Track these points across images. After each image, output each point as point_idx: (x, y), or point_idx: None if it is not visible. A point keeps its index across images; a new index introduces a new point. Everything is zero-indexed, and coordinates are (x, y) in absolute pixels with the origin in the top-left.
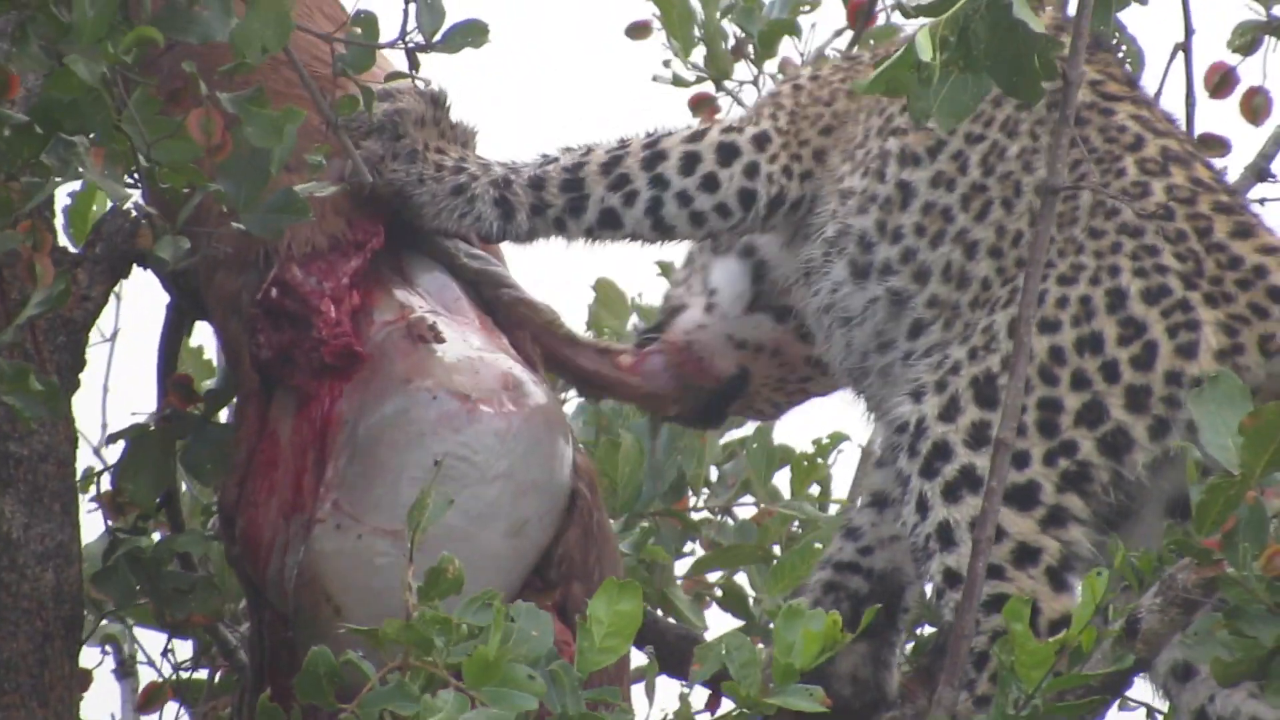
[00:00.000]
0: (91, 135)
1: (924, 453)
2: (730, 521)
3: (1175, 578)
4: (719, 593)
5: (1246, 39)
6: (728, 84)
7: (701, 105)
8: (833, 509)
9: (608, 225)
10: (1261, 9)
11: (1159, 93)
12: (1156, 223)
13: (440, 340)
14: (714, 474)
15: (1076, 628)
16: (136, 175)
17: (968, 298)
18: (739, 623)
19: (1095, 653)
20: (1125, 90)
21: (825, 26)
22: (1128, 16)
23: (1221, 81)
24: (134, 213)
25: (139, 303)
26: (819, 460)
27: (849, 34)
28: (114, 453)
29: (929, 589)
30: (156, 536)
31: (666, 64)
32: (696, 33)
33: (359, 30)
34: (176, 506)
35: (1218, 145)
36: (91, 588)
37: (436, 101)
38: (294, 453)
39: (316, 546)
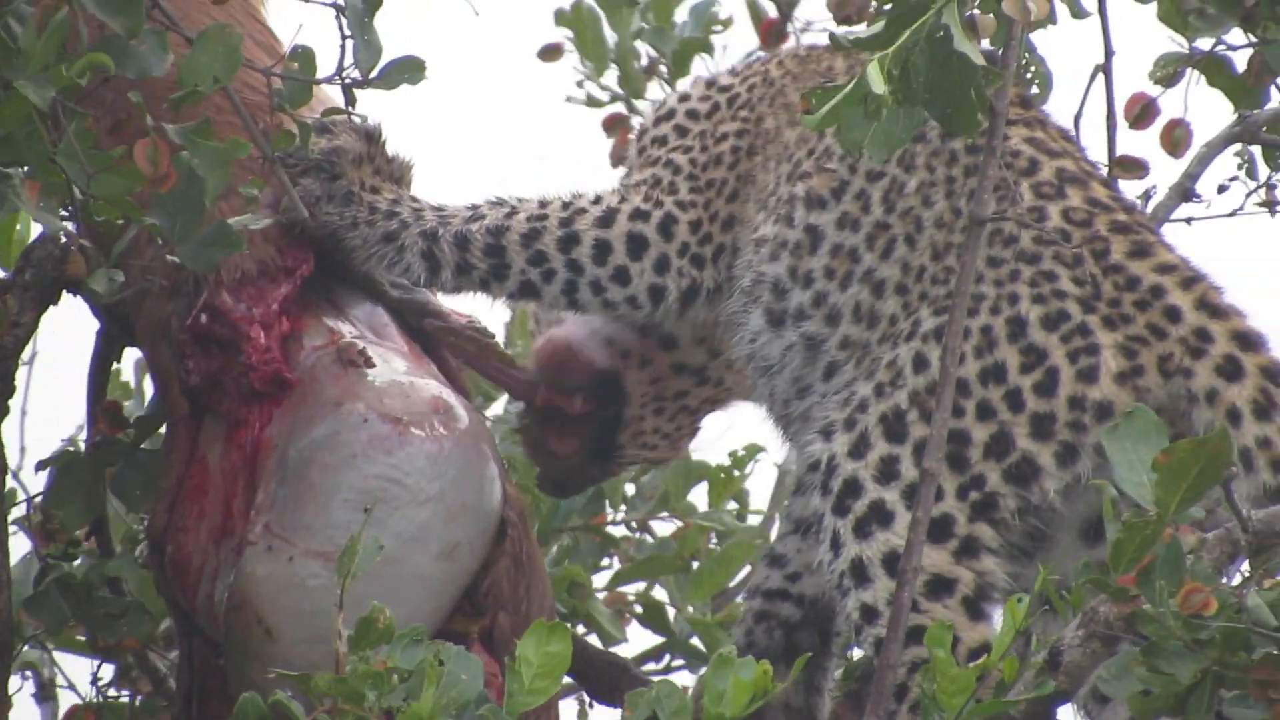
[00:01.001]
0: (25, 169)
1: (835, 490)
2: (649, 539)
3: (1097, 610)
4: (639, 609)
5: (1168, 71)
6: (641, 104)
7: (615, 126)
8: (751, 520)
9: (528, 294)
10: (1184, 41)
11: (1079, 115)
12: (1053, 247)
13: (370, 365)
14: (630, 489)
15: (997, 653)
16: (70, 207)
17: (877, 336)
18: (660, 639)
19: (1017, 682)
20: (1019, 112)
21: (737, 46)
22: (1045, 37)
23: (1142, 112)
24: (63, 239)
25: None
26: (735, 473)
27: (761, 54)
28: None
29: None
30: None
31: (580, 84)
32: (609, 54)
33: (296, 65)
34: (106, 532)
35: (1136, 167)
36: (23, 613)
37: (371, 138)
38: (224, 478)
39: (248, 569)
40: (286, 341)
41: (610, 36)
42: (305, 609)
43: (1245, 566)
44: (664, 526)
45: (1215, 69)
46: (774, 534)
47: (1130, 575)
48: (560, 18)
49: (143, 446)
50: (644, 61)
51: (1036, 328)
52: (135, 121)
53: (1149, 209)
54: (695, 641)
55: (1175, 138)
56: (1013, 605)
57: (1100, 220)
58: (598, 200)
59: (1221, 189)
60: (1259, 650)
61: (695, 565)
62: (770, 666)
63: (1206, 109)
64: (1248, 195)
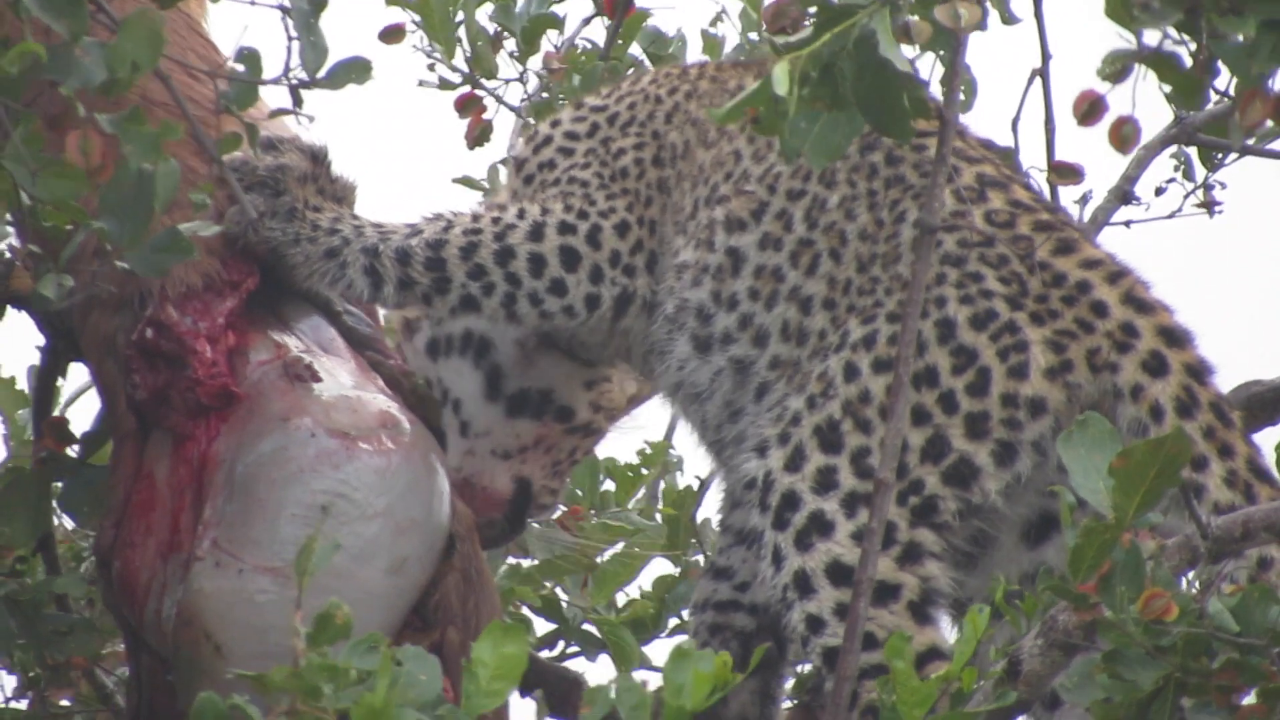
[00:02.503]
0: None
1: (774, 505)
2: (568, 537)
3: (1056, 619)
4: (538, 603)
5: (1117, 67)
6: (490, 83)
7: (469, 106)
8: (658, 518)
9: (468, 308)
10: (1131, 38)
11: (1017, 118)
12: (978, 249)
13: (317, 379)
14: None
15: (958, 664)
16: (17, 214)
17: (807, 353)
18: (552, 625)
19: (976, 692)
20: (936, 125)
21: (576, 15)
22: (979, 41)
23: (1090, 110)
24: (8, 254)
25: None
26: (644, 470)
27: (598, 21)
28: None
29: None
30: None
31: (431, 68)
32: (458, 34)
33: (242, 67)
34: (53, 549)
35: (1071, 174)
36: None
37: (317, 157)
38: (171, 493)
39: (196, 585)
40: (233, 356)
41: (457, 16)
42: (254, 624)
43: (1200, 572)
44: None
45: (1164, 66)
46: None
47: (1091, 583)
48: None
49: (89, 462)
50: (490, 35)
51: (965, 328)
52: (71, 113)
53: (1087, 212)
54: (589, 628)
55: (1124, 134)
56: (974, 615)
57: (1023, 220)
58: (522, 214)
59: (1159, 191)
60: (1221, 656)
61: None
62: (729, 657)
63: (1143, 103)
64: (1185, 197)
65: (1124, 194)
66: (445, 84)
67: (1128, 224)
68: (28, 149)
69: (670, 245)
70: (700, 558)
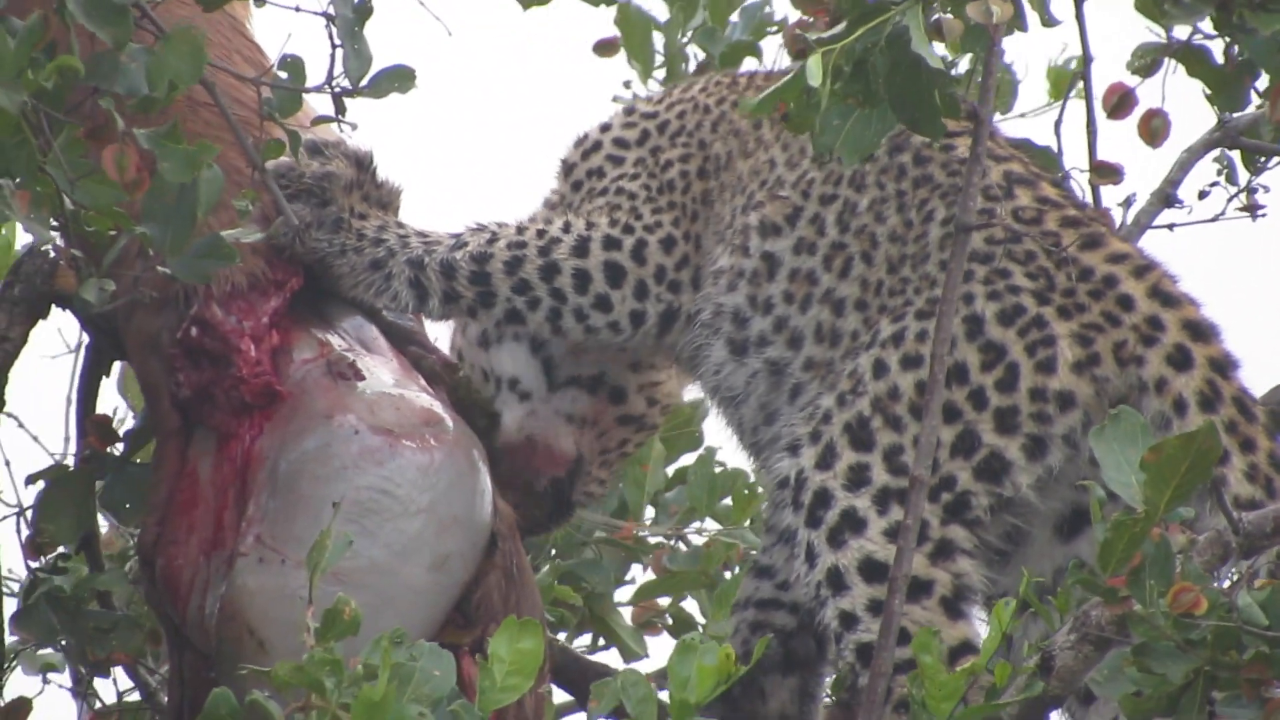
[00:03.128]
0: (18, 180)
1: (806, 504)
2: (682, 547)
3: (1089, 614)
4: (669, 620)
5: (1146, 61)
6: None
7: None
8: None
9: (513, 321)
10: (1161, 31)
11: (1059, 119)
12: (1005, 246)
13: (360, 377)
14: (649, 508)
15: (984, 656)
16: (61, 218)
17: (840, 354)
18: None
19: (1009, 686)
20: (965, 124)
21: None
22: (1025, 41)
23: (1120, 103)
24: (52, 253)
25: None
26: (760, 490)
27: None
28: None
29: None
30: None
31: (627, 84)
32: (658, 53)
33: (285, 74)
34: (96, 546)
35: (1111, 172)
36: (12, 626)
37: (362, 163)
38: (214, 491)
39: (239, 581)
40: (276, 354)
41: (659, 37)
42: (297, 619)
43: (1233, 566)
44: (699, 538)
45: (1194, 59)
46: None
47: (1120, 576)
48: (622, 11)
49: (132, 460)
50: (692, 64)
51: (993, 324)
52: (111, 127)
53: (1130, 215)
54: None
55: (1153, 128)
56: (1000, 609)
57: (1050, 216)
58: (567, 228)
59: (1202, 195)
60: (1250, 649)
61: (728, 576)
62: (732, 651)
63: (1186, 107)
64: (1229, 200)
65: (1167, 197)
66: None
67: (1170, 227)
68: (67, 157)
69: (710, 255)
70: None
